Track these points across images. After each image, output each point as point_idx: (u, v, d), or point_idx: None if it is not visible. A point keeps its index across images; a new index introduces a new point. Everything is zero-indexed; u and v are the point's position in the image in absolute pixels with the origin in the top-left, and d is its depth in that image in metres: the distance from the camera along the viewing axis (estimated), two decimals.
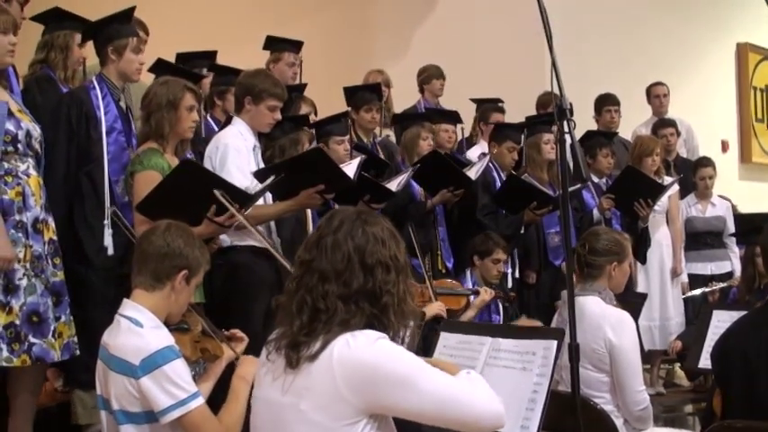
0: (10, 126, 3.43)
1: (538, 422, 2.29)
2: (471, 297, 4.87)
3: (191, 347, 2.81)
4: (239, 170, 3.91)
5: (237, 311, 3.84)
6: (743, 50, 9.95)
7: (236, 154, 3.94)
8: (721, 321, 4.00)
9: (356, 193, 4.39)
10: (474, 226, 5.38)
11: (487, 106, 6.38)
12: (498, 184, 5.51)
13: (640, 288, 6.07)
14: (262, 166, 4.07)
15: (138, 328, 2.58)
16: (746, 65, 9.98)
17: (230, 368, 2.87)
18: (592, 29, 7.95)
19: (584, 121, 6.47)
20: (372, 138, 5.79)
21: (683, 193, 6.62)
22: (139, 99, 3.94)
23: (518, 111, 6.34)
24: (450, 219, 5.45)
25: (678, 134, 7.00)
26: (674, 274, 6.24)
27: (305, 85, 5.62)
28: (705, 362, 3.92)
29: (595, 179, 5.93)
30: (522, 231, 5.43)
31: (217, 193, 3.40)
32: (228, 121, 4.36)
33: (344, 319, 1.97)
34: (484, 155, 5.78)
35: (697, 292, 6.13)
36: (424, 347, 2.91)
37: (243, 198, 3.54)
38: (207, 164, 4.00)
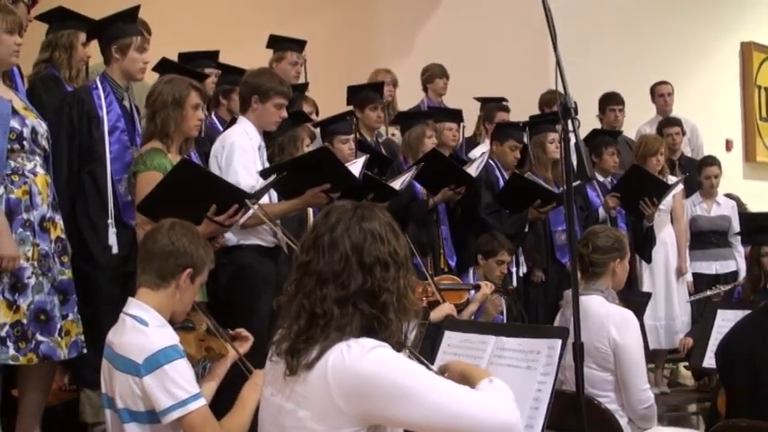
0: (15, 123, 3.43)
1: (542, 421, 2.29)
2: (472, 291, 4.87)
3: (195, 346, 2.81)
4: (245, 169, 3.92)
5: (243, 310, 3.84)
6: (747, 49, 9.93)
7: (242, 153, 3.95)
8: (726, 321, 4.00)
9: (360, 191, 4.39)
10: (477, 224, 5.38)
11: (492, 105, 6.38)
12: (501, 183, 5.51)
13: (645, 287, 6.07)
14: (267, 165, 4.07)
15: (143, 326, 2.58)
16: (751, 64, 9.97)
17: (240, 374, 2.85)
18: (596, 28, 7.94)
19: (588, 120, 6.47)
20: (376, 136, 5.80)
21: (688, 193, 6.61)
22: (143, 98, 3.95)
23: (522, 110, 6.34)
24: (452, 217, 5.46)
25: (683, 133, 6.99)
26: (679, 273, 6.23)
27: (306, 84, 5.63)
28: (710, 361, 3.92)
29: (601, 178, 5.92)
30: (527, 230, 5.42)
31: (249, 202, 3.42)
32: (234, 122, 4.37)
33: (341, 324, 1.93)
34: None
35: (701, 295, 6.11)
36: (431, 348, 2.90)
37: (243, 197, 3.54)
38: (213, 163, 4.00)
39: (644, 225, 5.74)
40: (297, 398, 1.93)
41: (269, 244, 4.05)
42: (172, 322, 2.71)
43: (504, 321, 5.01)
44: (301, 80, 5.66)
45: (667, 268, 6.18)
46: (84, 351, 3.58)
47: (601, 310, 3.45)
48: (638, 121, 7.37)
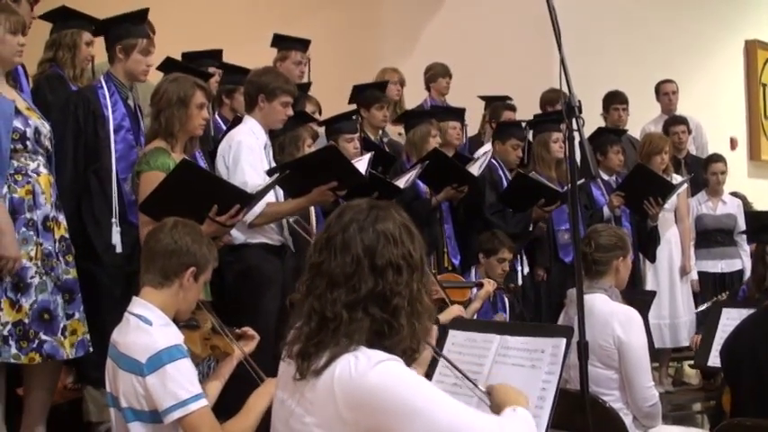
0: (18, 124, 3.44)
1: (547, 420, 2.28)
2: (474, 289, 4.87)
3: (200, 345, 2.81)
4: (253, 168, 3.92)
5: (249, 309, 3.85)
6: (751, 47, 9.91)
7: (249, 152, 3.95)
8: (730, 319, 4.00)
9: (365, 189, 4.40)
10: (480, 223, 5.38)
11: (499, 104, 6.38)
12: (504, 182, 5.51)
13: (649, 286, 6.06)
14: (273, 164, 4.07)
15: (147, 325, 2.58)
16: (755, 62, 9.94)
17: (246, 374, 2.85)
18: (599, 26, 7.93)
19: (592, 119, 6.46)
20: (380, 135, 5.80)
21: (694, 191, 6.60)
22: (147, 97, 3.95)
23: (526, 109, 6.34)
24: (456, 216, 5.46)
25: (689, 132, 6.98)
26: (684, 272, 6.22)
27: (309, 84, 5.64)
28: (714, 360, 3.91)
29: (605, 176, 5.92)
30: (531, 229, 5.42)
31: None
32: (237, 121, 4.37)
33: (351, 330, 1.89)
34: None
35: (707, 305, 6.08)
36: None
37: (245, 197, 3.54)
38: (220, 162, 4.01)
39: (648, 225, 5.74)
40: (305, 403, 1.91)
41: (275, 242, 4.05)
42: (176, 321, 2.71)
43: (508, 320, 5.02)
44: (305, 80, 5.66)
45: (671, 267, 6.17)
46: (91, 350, 3.58)
47: (605, 308, 3.45)
48: (642, 119, 7.36)
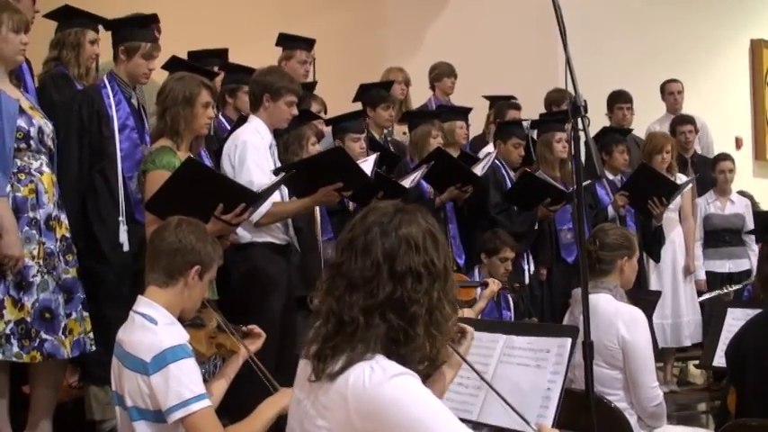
0: (22, 123, 3.45)
1: (552, 420, 2.28)
2: (479, 289, 4.87)
3: (206, 343, 2.81)
4: (258, 167, 3.93)
5: (255, 308, 3.85)
6: (757, 47, 9.88)
7: (254, 151, 3.96)
8: (735, 319, 3.98)
9: (371, 190, 4.41)
10: (485, 223, 5.38)
11: (503, 103, 6.37)
12: (508, 181, 5.51)
13: (652, 286, 6.05)
14: (278, 164, 4.08)
15: (153, 324, 2.58)
16: (761, 61, 9.91)
17: (252, 373, 2.85)
18: (605, 26, 7.92)
19: (597, 118, 6.46)
20: (385, 135, 5.80)
21: (701, 191, 6.59)
22: (152, 96, 3.95)
23: (531, 108, 6.33)
24: (460, 216, 5.46)
25: (696, 131, 6.96)
26: (687, 271, 6.21)
27: (315, 83, 5.64)
28: (719, 360, 3.90)
29: (610, 176, 5.91)
30: (536, 227, 5.42)
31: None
32: (241, 120, 4.37)
33: (367, 336, 1.87)
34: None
35: (712, 294, 6.09)
36: None
37: (250, 196, 3.54)
38: (225, 161, 4.01)
39: (652, 225, 5.73)
40: (318, 406, 1.90)
41: (281, 241, 4.06)
42: (181, 320, 2.70)
43: (512, 319, 5.02)
44: (309, 79, 5.66)
45: (674, 267, 6.16)
46: (92, 349, 3.59)
47: (610, 308, 3.45)
48: (648, 119, 7.35)
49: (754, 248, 6.35)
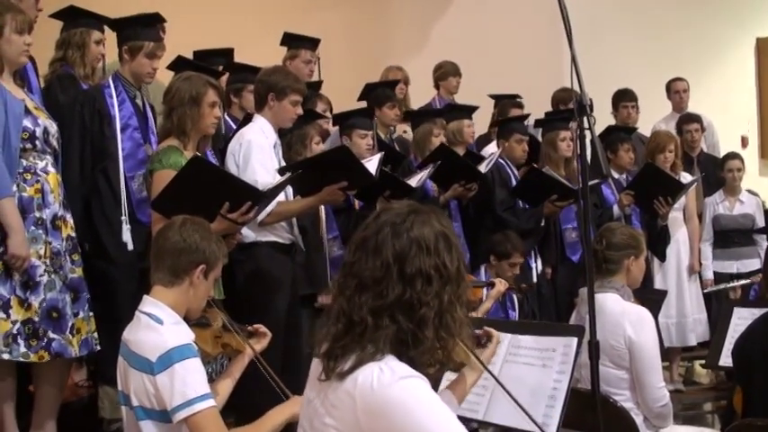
0: (27, 123, 3.46)
1: (558, 419, 2.28)
2: (485, 289, 4.86)
3: (212, 343, 2.81)
4: (263, 167, 3.92)
5: (259, 307, 3.85)
6: (763, 45, 9.85)
7: (259, 150, 3.96)
8: (742, 319, 3.98)
9: (377, 188, 4.40)
10: (489, 221, 5.38)
11: (506, 102, 6.36)
12: (513, 179, 5.50)
13: (657, 285, 6.04)
14: (283, 164, 4.08)
15: (158, 324, 2.58)
16: (767, 60, 9.88)
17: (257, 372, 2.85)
18: (611, 25, 7.91)
19: (603, 117, 6.44)
20: (390, 134, 5.80)
21: (707, 190, 6.56)
22: (158, 96, 3.96)
23: (536, 107, 6.32)
24: (465, 214, 5.45)
25: (703, 130, 6.94)
26: (692, 271, 6.20)
27: (320, 82, 5.64)
28: (726, 360, 3.89)
29: (616, 175, 5.90)
30: (543, 224, 5.41)
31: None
32: (247, 120, 4.37)
33: (376, 337, 1.86)
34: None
35: (717, 288, 6.07)
36: None
37: (256, 194, 3.54)
38: (230, 161, 4.01)
39: (658, 224, 5.71)
40: (327, 405, 1.90)
41: (285, 241, 4.06)
42: (187, 319, 2.70)
43: (517, 319, 5.01)
44: (314, 78, 5.67)
45: (679, 266, 6.14)
46: (97, 348, 3.59)
47: (616, 308, 3.44)
48: (653, 118, 7.33)
49: (764, 246, 6.31)
